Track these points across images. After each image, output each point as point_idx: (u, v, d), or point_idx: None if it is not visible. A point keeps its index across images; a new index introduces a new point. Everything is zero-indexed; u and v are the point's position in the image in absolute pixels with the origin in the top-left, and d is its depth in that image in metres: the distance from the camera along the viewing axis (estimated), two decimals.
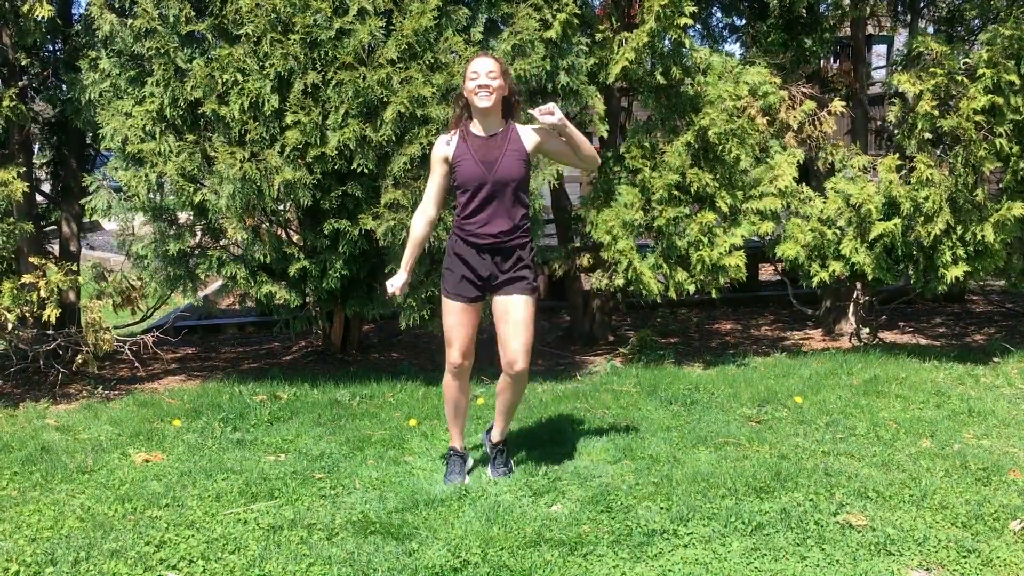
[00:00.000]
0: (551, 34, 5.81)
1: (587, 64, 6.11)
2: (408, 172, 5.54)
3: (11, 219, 5.71)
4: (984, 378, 5.97)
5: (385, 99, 5.45)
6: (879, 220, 6.39)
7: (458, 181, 3.99)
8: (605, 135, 6.47)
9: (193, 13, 5.63)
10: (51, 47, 6.63)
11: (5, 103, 5.64)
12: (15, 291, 5.54)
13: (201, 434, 5.00)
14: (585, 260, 6.82)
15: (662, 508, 3.80)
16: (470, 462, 4.39)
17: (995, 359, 6.52)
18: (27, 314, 5.68)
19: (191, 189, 5.64)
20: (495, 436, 4.37)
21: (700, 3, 7.39)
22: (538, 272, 4.23)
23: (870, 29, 7.96)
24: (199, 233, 6.08)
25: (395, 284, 4.16)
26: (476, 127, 3.98)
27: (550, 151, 4.11)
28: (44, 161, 7.00)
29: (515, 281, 4.02)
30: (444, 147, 4.01)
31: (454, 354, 4.08)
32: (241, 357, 7.40)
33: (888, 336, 7.67)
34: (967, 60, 6.35)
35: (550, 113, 3.88)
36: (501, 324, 4.06)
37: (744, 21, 7.99)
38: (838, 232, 6.65)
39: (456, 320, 4.06)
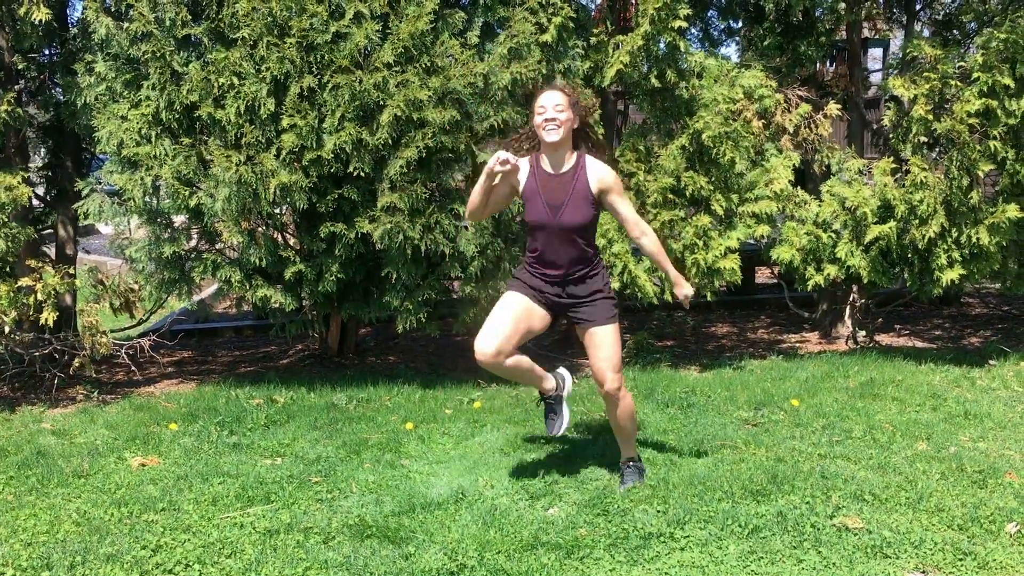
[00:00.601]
0: (547, 38, 5.82)
1: (583, 67, 6.12)
2: (404, 176, 5.54)
3: (13, 224, 5.70)
4: (980, 381, 5.98)
5: (381, 102, 5.45)
6: (874, 223, 6.41)
7: (526, 218, 3.93)
8: (600, 139, 6.47)
9: (189, 17, 5.63)
10: (47, 51, 6.63)
11: (3, 107, 5.64)
12: (12, 294, 5.53)
13: (197, 438, 4.99)
14: None
15: (659, 511, 3.80)
16: (568, 387, 4.22)
17: (991, 362, 6.53)
18: (24, 317, 5.67)
19: (187, 192, 5.64)
20: (623, 457, 4.20)
21: (696, 7, 7.40)
22: (617, 301, 4.10)
23: (866, 33, 7.97)
24: (195, 236, 6.08)
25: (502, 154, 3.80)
26: (545, 162, 3.88)
27: (606, 203, 3.91)
28: (40, 165, 7.00)
29: (591, 304, 3.91)
30: (520, 170, 3.89)
31: (480, 341, 3.81)
32: (237, 361, 7.39)
33: (884, 339, 7.68)
34: (962, 64, 6.37)
35: (682, 295, 4.03)
36: (589, 350, 3.96)
37: (740, 25, 8.01)
38: (834, 235, 6.66)
39: (505, 305, 3.89)
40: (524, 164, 3.91)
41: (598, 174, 3.85)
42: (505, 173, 3.83)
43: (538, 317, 3.96)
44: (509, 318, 3.87)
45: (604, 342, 3.89)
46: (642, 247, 4.01)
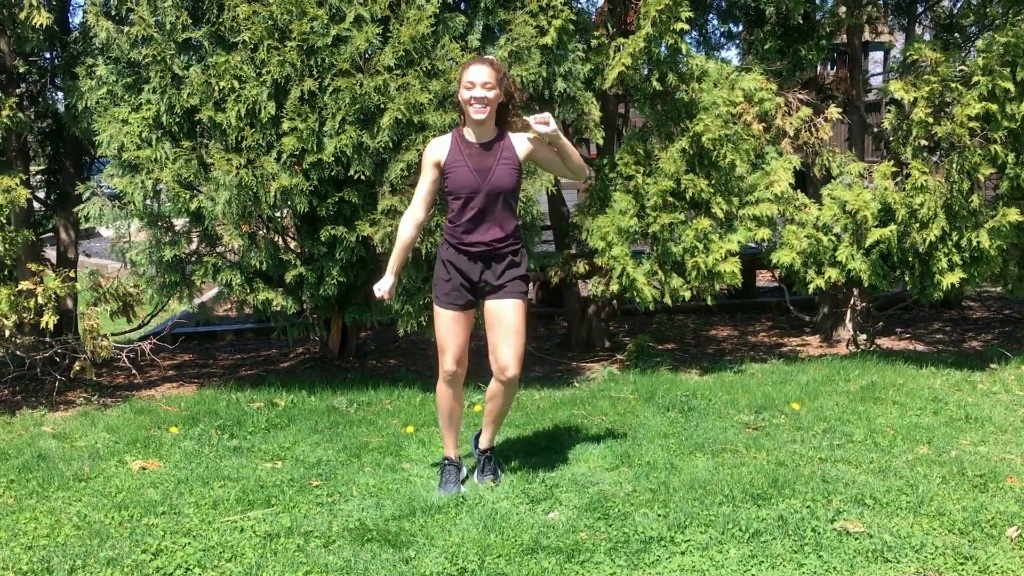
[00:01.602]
0: (547, 40, 5.82)
1: (584, 70, 6.12)
2: (405, 179, 5.54)
3: (11, 227, 5.71)
4: (981, 384, 5.97)
5: (382, 106, 5.45)
6: (875, 226, 6.40)
7: (450, 188, 3.97)
8: (601, 142, 6.48)
9: (190, 20, 5.64)
10: (49, 55, 6.64)
11: (5, 111, 5.64)
12: (13, 298, 5.54)
13: (198, 441, 4.99)
14: (581, 267, 6.82)
15: (659, 515, 3.79)
16: (464, 471, 4.35)
17: (992, 365, 6.52)
18: (24, 321, 5.68)
19: (187, 196, 5.64)
20: (483, 443, 4.34)
21: (697, 10, 7.39)
22: (530, 279, 4.19)
23: (867, 36, 7.97)
24: (195, 240, 6.08)
25: (383, 288, 4.13)
26: (470, 134, 3.96)
27: (540, 160, 4.08)
28: (41, 168, 7.00)
29: (506, 286, 4.01)
30: (437, 151, 3.98)
31: (447, 361, 4.07)
32: (238, 364, 7.39)
33: (885, 342, 7.67)
34: (963, 67, 6.37)
35: (545, 123, 3.88)
36: (492, 330, 4.04)
37: (740, 28, 8.00)
38: (834, 239, 6.66)
39: (449, 328, 4.05)
40: (445, 141, 3.99)
41: (521, 142, 3.99)
42: (426, 162, 4.00)
43: (468, 319, 4.10)
44: (453, 337, 4.06)
45: (512, 323, 4.00)
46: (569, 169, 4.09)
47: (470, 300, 4.05)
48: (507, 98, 3.94)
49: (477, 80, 3.82)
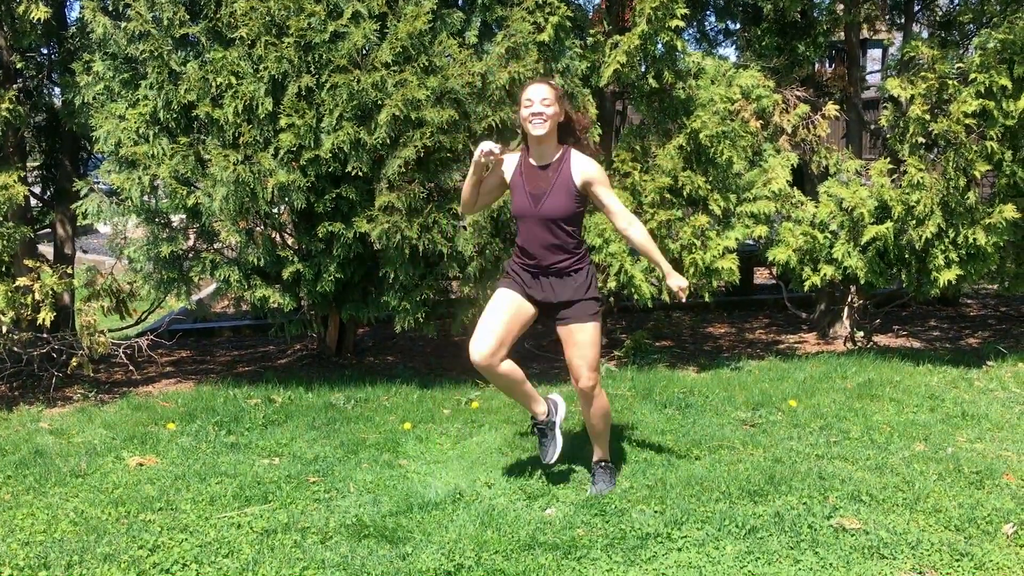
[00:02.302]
0: (544, 37, 5.82)
1: (581, 67, 6.11)
2: (403, 175, 5.54)
3: (9, 223, 5.70)
4: (978, 382, 5.99)
5: (379, 102, 5.45)
6: (871, 223, 6.41)
7: (511, 208, 4.01)
8: (598, 139, 6.48)
9: (187, 16, 5.63)
10: (46, 50, 6.62)
11: (3, 105, 5.63)
12: (9, 294, 5.53)
13: (195, 437, 4.99)
14: None
15: (656, 512, 3.80)
16: (561, 414, 4.19)
17: (989, 362, 6.53)
18: (21, 317, 5.67)
19: (184, 192, 5.64)
20: (594, 456, 4.21)
21: (693, 7, 7.40)
22: (602, 302, 4.11)
23: (864, 33, 7.98)
24: (192, 236, 6.07)
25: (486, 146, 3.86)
26: (531, 155, 3.93)
27: (591, 194, 3.93)
28: (38, 164, 6.99)
29: (573, 305, 3.91)
30: (508, 163, 3.98)
31: (474, 346, 3.87)
32: (236, 360, 7.39)
33: (882, 340, 7.68)
34: (960, 64, 6.37)
35: (674, 287, 3.97)
36: (567, 349, 3.96)
37: (738, 25, 8.00)
38: (830, 236, 6.67)
39: (497, 303, 3.95)
40: (513, 158, 4.00)
41: (582, 166, 3.89)
42: (494, 165, 3.92)
43: (528, 311, 3.99)
44: (501, 318, 3.92)
45: (583, 339, 3.91)
46: (629, 239, 3.98)
47: (531, 296, 3.96)
48: (567, 119, 3.92)
49: (536, 97, 3.82)
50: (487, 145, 3.80)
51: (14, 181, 5.63)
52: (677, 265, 6.34)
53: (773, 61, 7.23)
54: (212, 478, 4.30)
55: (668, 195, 6.25)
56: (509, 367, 3.95)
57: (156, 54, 5.55)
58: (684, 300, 4.08)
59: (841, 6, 7.36)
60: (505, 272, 4.10)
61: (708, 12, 8.03)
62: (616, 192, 6.30)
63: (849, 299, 7.29)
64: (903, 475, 4.19)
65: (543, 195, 3.86)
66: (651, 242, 4.00)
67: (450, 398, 5.76)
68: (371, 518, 3.78)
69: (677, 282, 3.99)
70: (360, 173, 5.51)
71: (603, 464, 4.17)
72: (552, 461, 4.11)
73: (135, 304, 6.37)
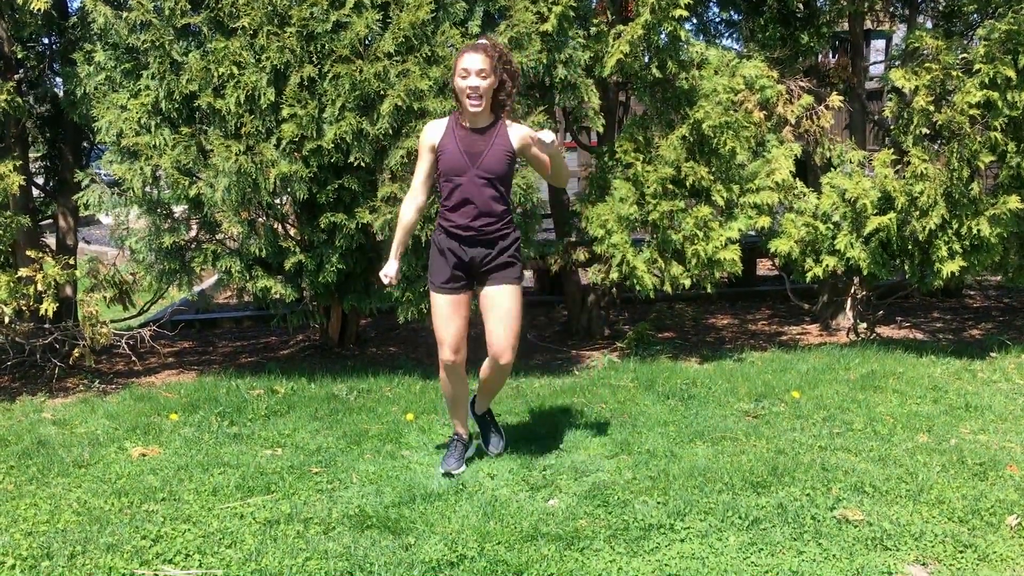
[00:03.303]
0: (547, 27, 5.80)
1: (584, 57, 6.09)
2: (405, 166, 5.53)
3: (8, 212, 5.70)
4: (981, 373, 5.98)
5: (382, 92, 5.44)
6: (874, 215, 6.39)
7: (441, 170, 3.99)
8: (601, 129, 6.47)
9: (188, 6, 5.61)
10: (47, 40, 6.61)
11: (3, 96, 5.62)
12: (12, 284, 5.53)
13: (198, 428, 5.00)
14: (581, 255, 6.81)
15: (659, 503, 3.80)
16: (472, 449, 4.42)
17: (992, 354, 6.52)
18: (24, 308, 5.67)
19: (186, 182, 5.63)
20: (478, 409, 4.45)
21: None
22: (524, 264, 4.21)
23: (868, 24, 7.94)
24: (194, 227, 6.07)
25: (389, 273, 4.17)
26: (465, 120, 3.97)
27: (529, 156, 4.06)
28: (39, 155, 6.98)
29: (500, 269, 4.03)
30: (432, 134, 4.01)
31: (446, 352, 4.08)
32: (238, 351, 7.39)
33: (885, 331, 7.67)
34: (964, 55, 6.35)
35: (543, 141, 3.89)
36: (487, 316, 4.07)
37: (741, 16, 7.97)
38: (833, 227, 6.65)
39: (444, 313, 4.05)
40: (440, 124, 4.02)
41: (518, 131, 3.99)
42: (422, 145, 4.05)
43: (464, 304, 4.09)
44: (448, 322, 4.05)
45: (509, 306, 4.02)
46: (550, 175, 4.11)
47: (464, 283, 4.06)
48: (504, 81, 3.92)
49: (472, 68, 3.83)
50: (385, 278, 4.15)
51: (11, 171, 5.62)
52: (679, 256, 6.33)
53: (776, 52, 7.20)
54: (215, 468, 4.30)
55: (671, 186, 6.23)
56: (464, 375, 4.19)
57: (157, 44, 5.54)
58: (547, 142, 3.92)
59: None
60: (432, 262, 4.09)
61: (711, 2, 8.00)
62: (620, 182, 6.32)
63: (852, 290, 7.28)
64: (906, 466, 4.19)
65: (481, 154, 3.91)
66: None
67: None
68: (374, 509, 3.78)
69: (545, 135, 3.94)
70: (362, 164, 5.50)
71: (490, 415, 4.50)
72: (452, 469, 4.20)
73: (137, 295, 6.37)
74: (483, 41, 4.00)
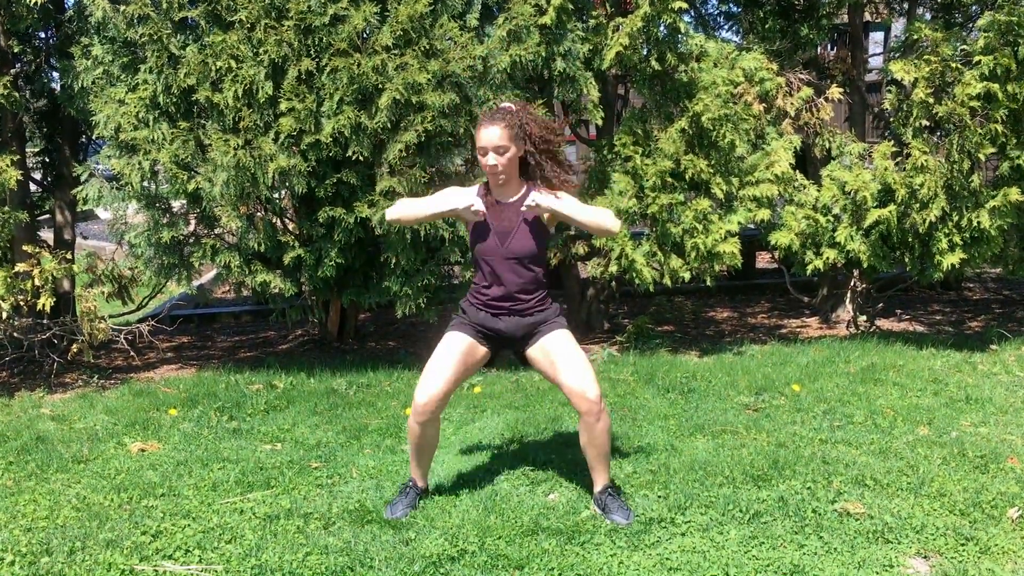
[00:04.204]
0: (546, 20, 5.78)
1: (583, 50, 6.08)
2: (404, 159, 5.51)
3: (5, 208, 5.68)
4: (981, 365, 5.97)
5: (380, 86, 5.42)
6: (874, 207, 6.38)
7: (473, 247, 3.70)
8: (600, 122, 6.45)
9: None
10: (43, 34, 6.58)
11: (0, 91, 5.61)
12: (9, 280, 5.51)
13: (197, 423, 4.99)
14: (580, 248, 6.80)
15: (659, 496, 3.79)
16: (419, 504, 3.82)
17: (992, 346, 6.52)
18: (22, 303, 5.66)
19: (185, 177, 5.61)
20: (596, 488, 3.73)
21: None
22: (561, 313, 3.78)
23: (867, 16, 7.92)
24: (193, 221, 6.05)
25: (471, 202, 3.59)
26: (493, 192, 3.66)
27: (560, 218, 3.64)
28: (37, 149, 6.96)
29: (540, 325, 3.67)
30: (474, 198, 3.56)
31: (420, 391, 3.59)
32: (237, 346, 7.38)
33: (885, 324, 7.67)
34: (964, 47, 6.33)
35: (534, 203, 3.49)
36: (551, 369, 3.63)
37: (740, 8, 7.95)
38: (833, 220, 6.64)
39: (446, 349, 3.66)
40: (471, 193, 3.64)
41: (538, 198, 3.51)
42: (461, 197, 3.57)
43: (478, 354, 3.71)
44: (451, 365, 3.62)
45: (567, 349, 3.60)
46: (587, 227, 3.66)
47: (486, 337, 3.71)
48: (527, 153, 3.57)
49: (489, 144, 3.48)
50: (478, 204, 3.54)
51: (8, 165, 5.60)
52: (679, 249, 6.32)
53: (776, 44, 7.19)
54: (214, 464, 4.29)
55: (670, 179, 6.22)
56: (438, 427, 3.71)
57: (155, 38, 5.51)
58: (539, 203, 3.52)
59: None
60: (458, 314, 3.83)
61: None
62: (619, 176, 6.31)
63: (852, 283, 7.27)
64: (907, 459, 4.18)
65: (509, 233, 3.60)
66: (589, 210, 3.63)
67: None
68: (374, 503, 3.77)
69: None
70: (361, 158, 5.49)
71: (612, 489, 3.72)
72: (391, 516, 3.66)
73: (136, 290, 6.36)
74: (505, 105, 3.64)
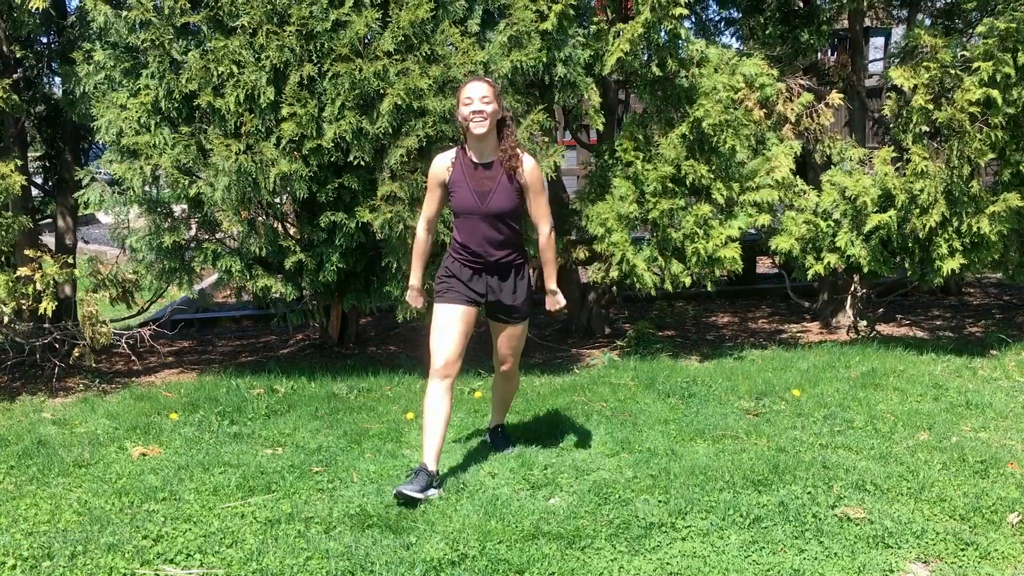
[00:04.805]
0: (547, 25, 5.79)
1: (584, 56, 6.08)
2: (405, 165, 5.52)
3: (8, 213, 5.69)
4: (982, 371, 5.97)
5: (382, 91, 5.43)
6: (875, 212, 6.39)
7: (453, 206, 4.05)
8: (601, 128, 6.46)
9: (188, 5, 5.60)
10: (45, 39, 6.60)
11: (1, 95, 5.61)
12: (11, 284, 5.52)
13: (198, 428, 4.99)
14: (581, 253, 6.81)
15: (660, 501, 3.79)
16: (433, 492, 3.88)
17: (992, 351, 6.52)
18: (23, 307, 5.66)
19: (186, 181, 5.62)
20: (494, 422, 4.60)
21: None
22: (531, 300, 4.23)
23: (868, 22, 7.93)
24: (194, 226, 6.06)
25: (413, 298, 4.31)
26: (471, 153, 3.99)
27: (529, 203, 4.08)
28: (38, 154, 6.97)
29: (510, 312, 4.13)
30: (442, 170, 4.03)
31: (437, 358, 3.97)
32: (238, 350, 7.38)
33: (885, 329, 7.67)
34: (964, 52, 6.34)
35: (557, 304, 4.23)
36: (496, 336, 4.23)
37: (740, 14, 7.97)
38: (833, 225, 6.65)
39: (444, 321, 4.02)
40: (447, 157, 4.03)
41: (527, 167, 3.98)
42: (432, 180, 4.08)
43: (472, 317, 4.09)
44: (446, 331, 4.00)
45: (516, 335, 4.21)
46: (538, 245, 4.17)
47: (472, 299, 4.07)
48: (504, 116, 3.96)
49: (475, 95, 3.86)
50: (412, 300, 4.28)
51: (11, 170, 5.61)
52: (679, 254, 6.33)
53: (776, 49, 7.20)
54: (215, 468, 4.30)
55: (671, 184, 6.23)
56: (451, 396, 4.02)
57: (157, 43, 5.53)
58: (556, 313, 4.39)
59: None
60: (440, 278, 4.11)
61: (710, 0, 8.00)
62: (620, 181, 6.32)
63: (852, 288, 7.28)
64: (907, 464, 4.18)
65: (489, 192, 3.95)
66: (549, 258, 4.17)
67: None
68: (375, 508, 3.78)
69: (556, 300, 4.22)
70: (362, 162, 5.50)
71: (501, 429, 4.58)
72: (404, 491, 3.76)
73: (137, 294, 6.36)
74: (483, 76, 4.23)
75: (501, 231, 3.99)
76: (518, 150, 3.99)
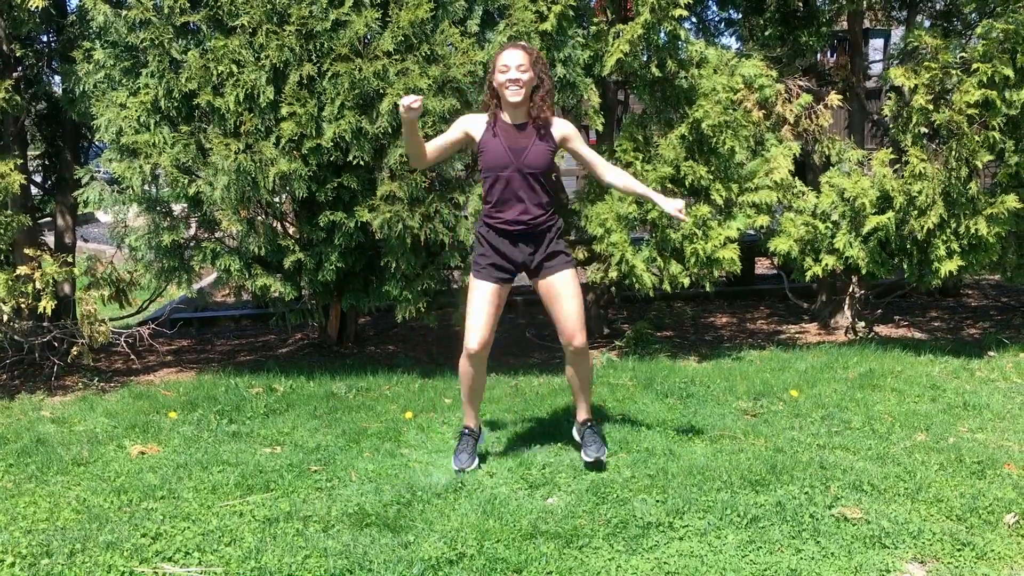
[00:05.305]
0: (547, 26, 5.80)
1: (583, 56, 6.10)
2: (404, 164, 5.53)
3: (8, 212, 5.69)
4: (979, 372, 5.98)
5: (381, 91, 5.44)
6: (873, 214, 6.40)
7: (483, 165, 4.06)
8: (601, 128, 6.47)
9: (188, 4, 5.60)
10: (45, 38, 6.60)
11: (1, 94, 5.62)
12: (10, 282, 5.53)
13: (197, 426, 5.00)
14: (580, 253, 6.82)
15: (658, 501, 3.80)
16: (482, 441, 4.45)
17: (990, 353, 6.53)
18: (22, 306, 5.67)
19: (185, 181, 5.63)
20: (580, 416, 4.40)
21: None
22: (571, 247, 4.28)
23: (867, 23, 7.94)
24: (194, 225, 6.07)
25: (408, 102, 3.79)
26: (506, 116, 4.04)
27: (575, 154, 4.21)
28: (38, 153, 6.98)
29: (552, 258, 4.10)
30: (472, 124, 4.07)
31: (471, 339, 4.07)
32: (237, 349, 7.39)
33: (883, 330, 7.68)
34: (963, 54, 6.35)
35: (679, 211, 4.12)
36: (552, 304, 4.14)
37: (740, 15, 7.98)
38: (832, 226, 6.66)
39: (480, 300, 4.07)
40: (481, 119, 4.08)
41: (560, 125, 4.09)
42: (459, 125, 4.07)
43: (504, 294, 4.15)
44: (487, 310, 4.08)
45: (567, 291, 4.10)
46: (613, 184, 4.26)
47: (508, 277, 4.12)
48: (542, 80, 4.01)
49: (512, 63, 3.92)
50: (406, 100, 3.70)
51: (11, 169, 5.61)
52: (678, 255, 6.34)
53: (776, 51, 7.20)
54: (214, 467, 4.30)
55: (670, 184, 6.24)
56: (485, 368, 4.23)
57: (157, 42, 5.53)
58: (684, 219, 4.28)
59: None
60: (478, 250, 4.14)
61: (710, 1, 8.01)
62: None
63: (850, 289, 7.29)
64: (904, 465, 4.19)
65: (524, 149, 3.99)
66: (634, 181, 4.27)
67: (451, 387, 5.75)
68: (373, 507, 3.78)
69: (674, 205, 4.14)
70: (362, 162, 5.51)
71: (591, 423, 4.36)
72: (458, 467, 4.21)
73: (136, 293, 6.36)
74: (520, 42, 4.28)
75: (535, 189, 4.02)
76: (542, 115, 4.01)
